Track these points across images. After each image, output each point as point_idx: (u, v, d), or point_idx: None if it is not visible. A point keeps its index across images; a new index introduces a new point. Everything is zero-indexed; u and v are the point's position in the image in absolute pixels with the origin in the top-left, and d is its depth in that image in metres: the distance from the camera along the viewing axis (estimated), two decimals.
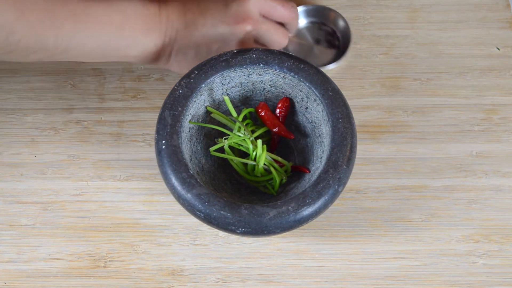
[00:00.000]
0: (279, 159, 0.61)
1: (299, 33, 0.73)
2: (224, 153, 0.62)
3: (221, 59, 0.60)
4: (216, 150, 0.61)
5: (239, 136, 0.60)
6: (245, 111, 0.62)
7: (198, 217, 0.54)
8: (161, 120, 0.57)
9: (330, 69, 0.70)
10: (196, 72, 0.59)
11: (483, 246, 0.63)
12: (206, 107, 0.62)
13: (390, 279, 0.61)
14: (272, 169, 0.60)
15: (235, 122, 0.61)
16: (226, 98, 0.60)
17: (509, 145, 0.67)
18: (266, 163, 0.60)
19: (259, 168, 0.60)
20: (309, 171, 0.60)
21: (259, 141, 0.59)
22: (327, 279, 0.61)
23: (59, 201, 0.64)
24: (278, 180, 0.60)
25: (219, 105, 0.63)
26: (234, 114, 0.61)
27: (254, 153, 0.60)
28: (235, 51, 0.60)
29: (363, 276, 0.62)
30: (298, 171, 0.62)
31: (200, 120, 0.62)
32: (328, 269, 0.62)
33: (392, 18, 0.74)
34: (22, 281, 0.61)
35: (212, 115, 0.62)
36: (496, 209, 0.64)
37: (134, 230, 0.63)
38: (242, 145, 0.61)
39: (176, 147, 0.56)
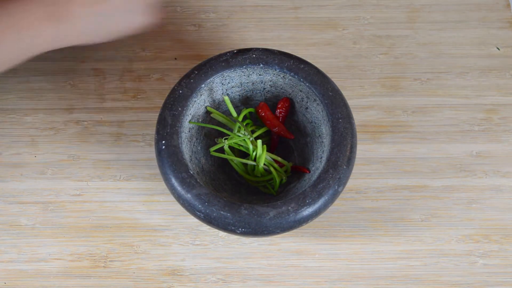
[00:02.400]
0: (279, 159, 0.61)
1: None
2: (224, 153, 0.62)
3: (221, 59, 0.60)
4: (216, 150, 0.61)
5: (239, 136, 0.60)
6: (245, 111, 0.62)
7: (198, 217, 0.54)
8: (161, 120, 0.57)
9: None
10: (196, 72, 0.59)
11: (483, 246, 0.63)
12: (206, 107, 0.62)
13: (390, 279, 0.62)
14: (272, 169, 0.60)
15: (235, 122, 0.61)
16: (226, 98, 0.60)
17: (509, 145, 0.67)
18: (266, 163, 0.60)
19: (259, 168, 0.60)
20: (309, 171, 0.60)
21: (259, 141, 0.59)
22: (327, 279, 0.62)
23: (59, 201, 0.64)
24: (278, 180, 0.60)
25: (219, 105, 0.63)
26: (234, 114, 0.61)
27: (254, 153, 0.60)
28: (235, 51, 0.60)
29: (363, 276, 0.62)
30: (298, 171, 0.62)
31: (200, 120, 0.62)
32: (328, 269, 0.62)
33: (392, 18, 0.74)
34: (22, 281, 0.61)
35: (212, 115, 0.62)
36: (496, 209, 0.64)
37: (134, 230, 0.63)
38: (242, 145, 0.61)
39: (176, 147, 0.56)
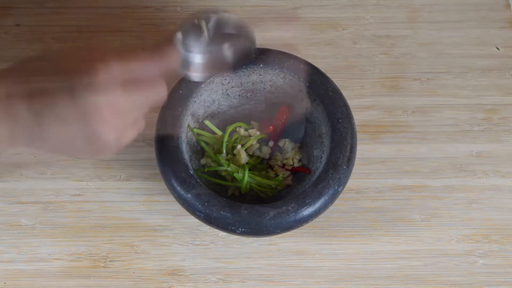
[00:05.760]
0: (265, 181, 0.60)
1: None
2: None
3: None
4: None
5: (221, 167, 0.60)
6: (230, 128, 0.61)
7: (198, 217, 0.54)
8: (161, 120, 0.57)
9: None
10: None
11: (483, 246, 0.63)
12: (188, 125, 0.60)
13: (390, 279, 0.61)
14: (256, 188, 0.60)
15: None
16: (208, 122, 0.60)
17: (509, 145, 0.67)
18: (251, 184, 0.60)
19: (243, 189, 0.60)
20: (310, 172, 0.60)
21: (237, 176, 0.59)
22: (327, 279, 0.61)
23: (59, 201, 0.64)
24: (264, 196, 0.60)
25: (219, 105, 0.63)
26: (219, 132, 0.61)
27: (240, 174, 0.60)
28: None
29: (363, 276, 0.62)
30: (298, 172, 0.62)
31: (200, 120, 0.62)
32: (328, 269, 0.62)
33: (392, 18, 0.74)
34: (22, 281, 0.61)
35: (198, 137, 0.61)
36: (496, 209, 0.64)
37: (134, 230, 0.63)
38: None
39: (176, 147, 0.56)
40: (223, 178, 0.61)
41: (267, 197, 0.61)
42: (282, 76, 0.60)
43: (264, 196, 0.60)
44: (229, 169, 0.59)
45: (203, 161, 0.62)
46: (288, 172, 0.62)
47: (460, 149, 0.67)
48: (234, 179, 0.61)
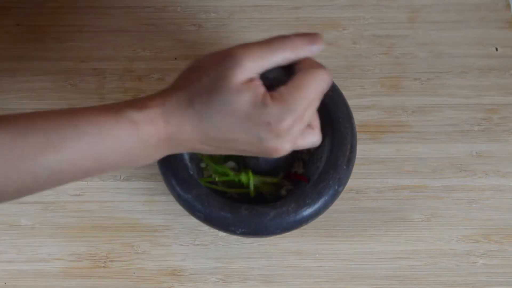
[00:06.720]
0: (268, 179, 0.60)
1: None
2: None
3: None
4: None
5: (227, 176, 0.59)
6: None
7: (198, 217, 0.54)
8: None
9: None
10: None
11: (483, 246, 0.63)
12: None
13: (390, 279, 0.62)
14: (259, 188, 0.60)
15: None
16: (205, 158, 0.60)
17: (509, 145, 0.67)
18: (256, 185, 0.60)
19: (252, 193, 0.59)
20: (308, 182, 0.59)
21: (243, 178, 0.58)
22: (327, 279, 0.62)
23: (59, 201, 0.64)
24: (266, 195, 0.60)
25: None
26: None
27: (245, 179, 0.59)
28: None
29: (363, 276, 0.62)
30: (298, 177, 0.61)
31: None
32: (328, 269, 0.62)
33: (392, 18, 0.74)
34: (22, 281, 0.61)
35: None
36: (496, 209, 0.64)
37: (134, 230, 0.63)
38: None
39: None
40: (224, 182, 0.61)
41: (269, 196, 0.61)
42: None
43: (266, 195, 0.60)
44: (231, 175, 0.59)
45: (203, 164, 0.61)
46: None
47: (460, 149, 0.67)
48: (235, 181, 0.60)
